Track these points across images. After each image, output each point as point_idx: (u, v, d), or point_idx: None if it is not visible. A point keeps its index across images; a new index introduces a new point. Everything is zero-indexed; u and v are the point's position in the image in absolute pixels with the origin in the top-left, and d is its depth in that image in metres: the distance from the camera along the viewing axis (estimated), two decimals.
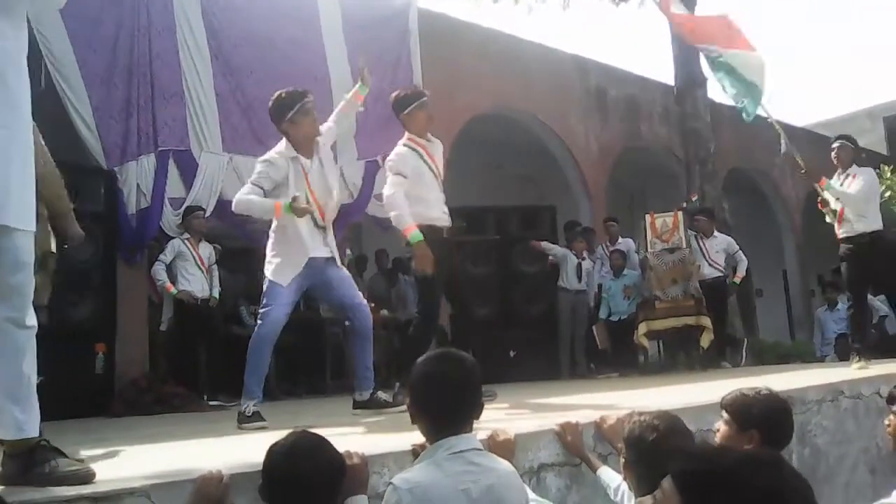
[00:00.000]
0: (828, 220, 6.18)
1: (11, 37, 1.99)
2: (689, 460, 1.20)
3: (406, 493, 1.78)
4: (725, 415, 2.44)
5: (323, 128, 4.09)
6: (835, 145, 6.24)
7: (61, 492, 1.77)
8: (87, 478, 1.88)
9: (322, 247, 3.96)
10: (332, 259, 4.01)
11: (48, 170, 2.82)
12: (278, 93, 4.03)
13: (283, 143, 3.98)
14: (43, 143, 2.79)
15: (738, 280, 8.41)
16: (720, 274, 8.19)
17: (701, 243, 8.20)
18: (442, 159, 4.54)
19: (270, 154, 3.96)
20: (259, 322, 3.86)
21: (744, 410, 2.41)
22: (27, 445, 1.97)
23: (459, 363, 2.00)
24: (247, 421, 3.66)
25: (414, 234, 4.16)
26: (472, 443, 1.94)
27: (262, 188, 3.86)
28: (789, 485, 1.11)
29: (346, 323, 4.09)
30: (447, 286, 4.47)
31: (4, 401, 1.96)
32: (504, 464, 1.99)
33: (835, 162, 6.21)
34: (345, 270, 4.18)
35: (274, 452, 1.86)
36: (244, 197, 3.87)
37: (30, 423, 1.99)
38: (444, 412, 1.93)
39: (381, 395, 4.09)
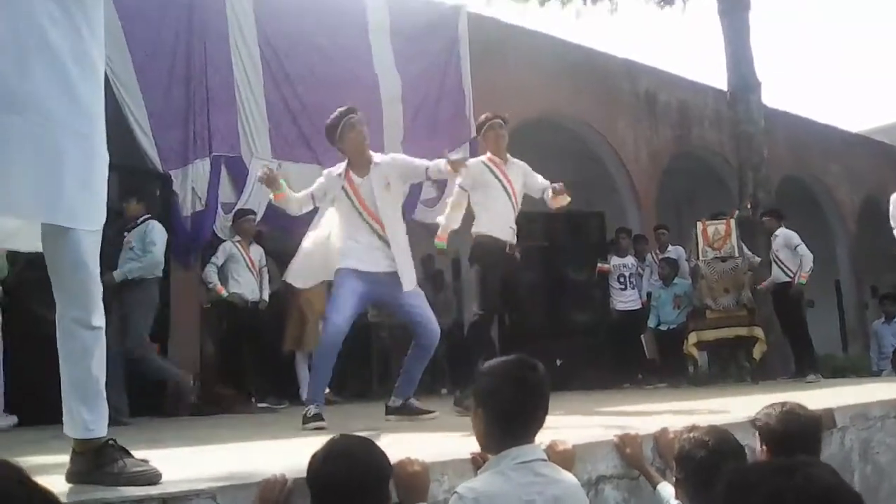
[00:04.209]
0: None
1: (86, 37, 1.98)
2: (727, 480, 1.18)
3: (471, 503, 1.76)
4: (757, 432, 2.45)
5: (394, 157, 4.35)
6: None
7: (131, 492, 1.79)
8: (154, 478, 1.90)
9: (384, 261, 4.06)
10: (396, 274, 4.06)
11: None
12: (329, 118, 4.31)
13: (342, 163, 4.26)
14: None
15: (803, 279, 7.39)
16: (788, 278, 7.48)
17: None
18: (519, 180, 4.76)
19: (327, 170, 4.32)
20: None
21: (765, 429, 2.42)
22: (94, 445, 1.98)
23: (535, 369, 1.95)
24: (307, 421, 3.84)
25: (439, 244, 4.95)
26: (538, 453, 1.91)
27: (312, 195, 4.27)
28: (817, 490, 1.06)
29: (413, 341, 4.20)
30: (504, 293, 4.68)
31: (73, 401, 1.98)
32: (569, 476, 1.96)
33: None
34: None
35: (314, 457, 1.82)
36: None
37: (97, 424, 2.00)
38: (518, 419, 1.89)
39: (414, 401, 4.20)
